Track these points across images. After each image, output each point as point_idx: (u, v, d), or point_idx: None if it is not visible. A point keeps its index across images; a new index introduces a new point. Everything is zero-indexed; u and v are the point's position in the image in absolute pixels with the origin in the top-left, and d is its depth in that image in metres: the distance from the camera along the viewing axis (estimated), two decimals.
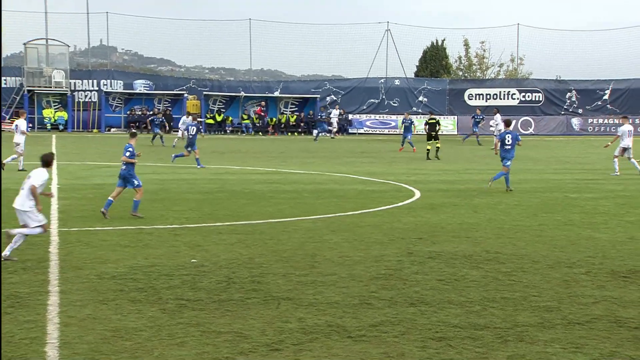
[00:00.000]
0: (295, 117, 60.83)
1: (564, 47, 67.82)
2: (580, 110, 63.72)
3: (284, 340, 8.58)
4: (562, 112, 63.64)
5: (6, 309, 9.49)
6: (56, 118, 56.93)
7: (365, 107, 62.53)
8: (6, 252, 12.29)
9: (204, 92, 59.80)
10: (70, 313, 9.47)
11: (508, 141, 22.53)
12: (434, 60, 69.13)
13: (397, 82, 64.02)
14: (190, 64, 78.51)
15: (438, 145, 36.01)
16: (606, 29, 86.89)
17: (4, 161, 26.41)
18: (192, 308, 9.76)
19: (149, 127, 45.26)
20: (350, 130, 60.21)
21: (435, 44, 69.75)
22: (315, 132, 53.70)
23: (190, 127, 30.73)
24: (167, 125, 47.62)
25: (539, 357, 8.18)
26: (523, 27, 66.88)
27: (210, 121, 58.09)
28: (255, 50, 64.78)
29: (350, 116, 61.21)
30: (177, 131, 44.63)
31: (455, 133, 59.41)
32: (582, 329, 9.09)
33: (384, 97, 63.18)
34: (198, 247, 13.64)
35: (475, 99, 63.50)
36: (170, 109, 58.70)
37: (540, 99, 63.79)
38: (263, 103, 60.22)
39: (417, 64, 70.43)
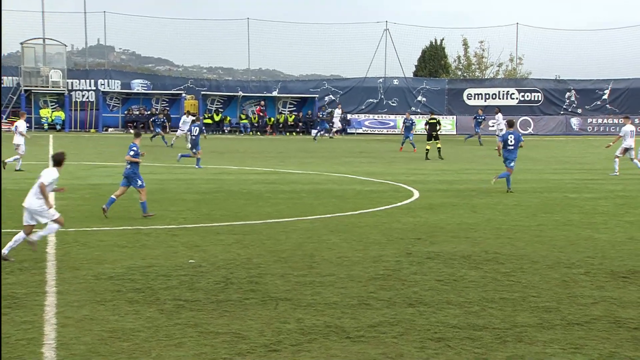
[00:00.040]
0: (293, 117, 60.78)
1: (563, 47, 67.85)
2: (579, 110, 63.70)
3: (282, 341, 8.56)
4: (562, 112, 63.63)
5: (3, 310, 9.44)
6: (53, 118, 56.77)
7: (363, 107, 62.50)
8: (5, 250, 12.27)
9: (202, 92, 59.75)
10: (67, 314, 9.44)
11: (511, 142, 22.51)
12: (432, 59, 69.07)
13: (395, 81, 63.98)
14: (188, 63, 78.71)
15: (439, 145, 35.98)
16: (606, 28, 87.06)
17: (6, 160, 26.42)
18: (189, 309, 9.73)
19: (152, 128, 45.15)
20: (348, 130, 60.16)
21: (434, 43, 69.68)
22: (314, 132, 53.66)
23: (193, 127, 30.65)
24: (166, 125, 47.58)
25: (538, 357, 8.16)
26: (522, 27, 66.92)
27: (208, 121, 58.02)
28: (254, 50, 64.81)
29: (349, 116, 61.16)
30: (176, 130, 44.60)
31: (454, 133, 59.41)
32: (581, 330, 9.07)
33: (382, 96, 63.14)
34: (196, 248, 13.61)
35: (474, 98, 63.47)
36: (168, 108, 58.64)
37: (540, 99, 63.76)
38: (262, 102, 60.16)
39: (416, 64, 70.36)
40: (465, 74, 69.31)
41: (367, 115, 61.95)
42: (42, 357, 8.01)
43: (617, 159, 28.50)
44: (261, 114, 59.95)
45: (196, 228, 15.73)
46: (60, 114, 56.83)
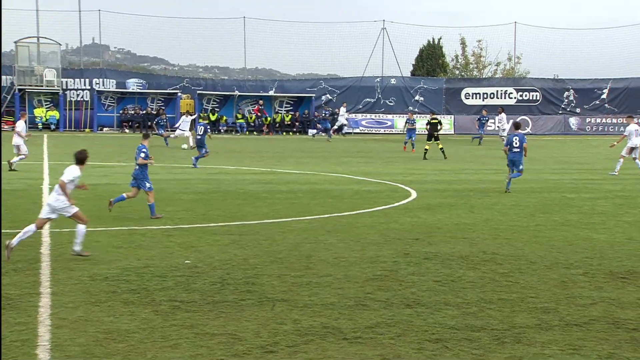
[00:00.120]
0: (290, 116, 60.72)
1: (561, 46, 67.73)
2: (578, 110, 63.68)
3: (279, 342, 8.52)
4: (560, 112, 63.61)
5: None
6: (48, 117, 56.47)
7: (361, 107, 62.41)
8: (14, 241, 12.35)
9: (198, 91, 59.62)
10: (62, 315, 9.38)
11: (516, 144, 22.55)
12: (430, 59, 68.96)
13: (393, 81, 63.92)
14: (183, 62, 78.44)
15: (441, 146, 35.96)
16: (604, 27, 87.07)
17: (12, 160, 26.46)
18: (185, 310, 9.69)
19: (155, 129, 44.99)
20: (345, 130, 60.04)
21: (431, 42, 69.57)
22: (311, 132, 53.58)
23: (198, 127, 30.49)
24: (167, 125, 47.49)
25: (536, 359, 8.13)
26: (520, 26, 66.81)
27: (200, 121, 57.79)
28: (250, 49, 64.67)
29: (346, 115, 61.00)
30: (174, 130, 44.52)
31: (452, 132, 59.40)
32: (579, 331, 9.05)
33: (380, 96, 63.08)
34: (192, 248, 13.55)
35: (472, 98, 63.45)
36: (163, 108, 58.53)
37: (538, 98, 63.74)
38: (261, 102, 60.06)
39: (414, 63, 70.23)
40: (463, 74, 69.22)
41: (365, 114, 61.89)
42: (36, 358, 7.96)
43: (621, 159, 28.43)
44: (259, 113, 59.83)
45: (192, 228, 15.67)
46: (55, 114, 56.57)
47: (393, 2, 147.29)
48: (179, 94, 59.18)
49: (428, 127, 37.17)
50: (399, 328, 9.04)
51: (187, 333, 8.76)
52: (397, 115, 61.68)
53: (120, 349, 8.20)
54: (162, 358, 7.98)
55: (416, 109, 60.70)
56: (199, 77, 67.96)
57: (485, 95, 63.48)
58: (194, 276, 11.45)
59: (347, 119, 58.45)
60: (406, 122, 42.25)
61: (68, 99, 57.50)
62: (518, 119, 58.52)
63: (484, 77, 67.54)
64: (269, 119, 59.89)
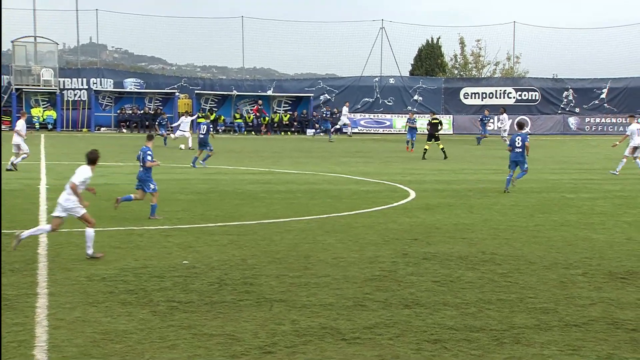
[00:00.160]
0: (288, 116, 60.66)
1: (560, 46, 67.60)
2: (577, 110, 63.67)
3: (277, 342, 8.49)
4: (559, 112, 63.59)
5: None
6: (45, 117, 56.35)
7: (359, 106, 62.35)
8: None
9: (196, 91, 59.55)
10: (59, 315, 9.35)
11: (518, 144, 22.58)
12: (429, 58, 68.94)
13: (391, 80, 63.89)
14: (181, 62, 78.32)
15: (442, 146, 35.92)
16: (604, 27, 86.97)
17: (15, 162, 26.46)
18: (183, 310, 9.66)
19: (157, 130, 44.91)
20: (344, 130, 59.97)
21: (430, 42, 69.55)
22: (310, 131, 53.48)
23: (201, 126, 30.38)
24: (168, 124, 47.37)
25: (535, 359, 8.10)
26: (519, 25, 66.74)
27: (202, 120, 57.79)
28: (248, 49, 64.60)
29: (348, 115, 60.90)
30: (172, 129, 44.47)
31: (451, 132, 59.36)
32: (579, 331, 9.03)
33: (378, 96, 63.04)
34: (190, 249, 13.52)
35: (471, 98, 63.43)
36: (161, 107, 58.46)
37: (537, 98, 63.72)
38: (260, 102, 59.99)
39: (412, 63, 70.22)
40: (462, 73, 69.19)
41: (363, 114, 61.84)
42: (33, 359, 7.92)
43: (624, 159, 28.38)
44: (258, 113, 59.74)
45: (190, 229, 15.64)
46: (52, 113, 56.43)
47: (392, 2, 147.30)
48: (177, 93, 59.10)
49: (429, 127, 37.13)
50: (398, 328, 9.02)
51: (184, 334, 8.73)
52: (396, 115, 61.64)
53: (118, 350, 8.18)
54: (160, 359, 7.96)
55: (415, 109, 60.68)
56: (197, 76, 67.90)
57: (484, 95, 63.45)
58: (191, 276, 11.41)
59: (348, 119, 58.24)
60: (407, 122, 42.20)
61: (65, 99, 57.39)
62: (517, 119, 58.68)
63: (482, 76, 67.51)
64: (267, 118, 59.83)
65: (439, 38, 69.51)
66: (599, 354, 8.27)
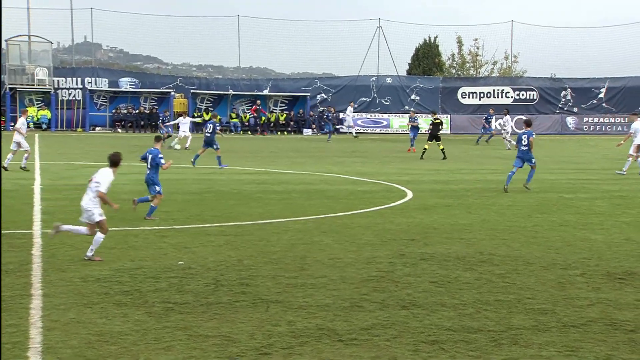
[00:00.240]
0: (284, 115, 60.62)
1: (558, 45, 67.62)
2: (575, 109, 63.71)
3: (274, 344, 8.45)
4: (557, 111, 63.62)
5: None
6: (39, 117, 56.12)
7: (356, 106, 62.29)
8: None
9: (192, 91, 59.46)
10: (53, 317, 9.29)
11: (524, 141, 22.74)
12: (426, 57, 68.93)
13: (389, 80, 63.87)
14: (177, 61, 78.11)
15: (442, 147, 35.88)
16: (602, 26, 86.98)
17: (23, 164, 26.46)
18: (179, 311, 9.61)
19: (162, 126, 44.81)
20: (341, 130, 59.93)
21: (427, 41, 69.55)
22: (306, 131, 53.35)
23: (208, 124, 30.21)
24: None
25: None
26: (517, 24, 66.74)
27: (198, 120, 57.73)
28: (244, 48, 64.54)
29: (341, 115, 60.88)
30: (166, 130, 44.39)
31: (449, 132, 59.35)
32: (577, 332, 9.00)
33: (375, 95, 63.02)
34: (185, 249, 13.46)
35: (469, 97, 63.43)
36: (156, 107, 58.38)
37: (535, 98, 63.75)
38: (259, 102, 59.94)
39: (410, 62, 70.23)
40: (459, 73, 69.17)
41: (360, 114, 61.80)
42: None
43: (630, 158, 28.34)
44: (256, 113, 59.68)
45: (186, 229, 15.58)
46: (47, 113, 56.25)
47: (390, 0, 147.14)
48: (173, 93, 58.98)
49: (431, 127, 37.06)
50: (395, 329, 8.97)
51: (180, 335, 8.68)
52: (393, 114, 61.65)
53: (113, 351, 8.12)
54: None
55: (412, 108, 60.64)
56: (192, 76, 67.81)
57: (482, 95, 63.47)
58: (187, 277, 11.36)
59: (352, 119, 57.93)
60: (409, 121, 42.08)
61: (60, 98, 57.24)
62: (515, 118, 58.77)
63: (480, 76, 67.50)
64: (263, 118, 59.80)
65: (437, 37, 69.56)
66: (597, 354, 8.24)
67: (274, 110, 61.19)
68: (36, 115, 56.10)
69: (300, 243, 14.16)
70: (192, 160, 29.56)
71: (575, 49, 66.96)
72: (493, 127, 49.43)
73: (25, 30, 58.01)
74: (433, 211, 18.47)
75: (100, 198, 12.53)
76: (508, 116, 46.49)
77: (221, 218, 17.07)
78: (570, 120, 63.06)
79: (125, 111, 57.99)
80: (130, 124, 57.43)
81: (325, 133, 54.12)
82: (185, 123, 41.70)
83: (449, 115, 61.61)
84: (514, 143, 36.08)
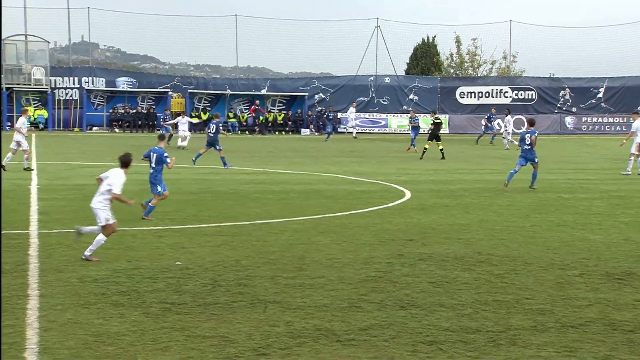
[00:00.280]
0: (282, 115, 60.58)
1: (557, 45, 67.65)
2: (574, 109, 63.74)
3: (271, 344, 8.42)
4: (556, 111, 63.64)
5: None
6: (36, 116, 56.02)
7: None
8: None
9: (189, 90, 59.44)
10: (50, 317, 9.26)
11: (527, 141, 22.84)
12: (424, 57, 68.92)
13: (387, 79, 63.87)
14: (174, 61, 78.11)
15: (441, 147, 35.86)
16: (601, 25, 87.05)
17: (28, 166, 26.44)
18: (176, 312, 9.58)
19: (172, 128, 44.62)
20: (339, 130, 59.92)
21: (426, 40, 69.54)
22: (303, 131, 53.25)
23: (210, 125, 30.02)
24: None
25: None
26: (515, 24, 66.78)
27: (195, 119, 57.70)
28: (242, 47, 64.53)
29: (339, 114, 60.88)
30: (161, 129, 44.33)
31: (447, 132, 59.36)
32: (575, 333, 8.98)
33: (373, 95, 63.02)
34: (183, 249, 13.43)
35: (467, 97, 63.43)
36: (154, 107, 58.30)
37: (534, 97, 63.76)
38: (257, 102, 59.91)
39: (408, 62, 70.24)
40: (457, 72, 69.16)
41: (358, 114, 61.76)
42: None
43: (632, 157, 28.33)
44: (254, 113, 59.64)
45: (183, 229, 15.54)
46: (43, 113, 56.19)
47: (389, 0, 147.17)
48: (170, 92, 58.94)
49: (432, 126, 37.02)
50: (393, 330, 8.94)
51: (177, 335, 8.65)
52: (391, 114, 61.63)
53: (110, 352, 8.09)
54: None
55: (412, 108, 60.61)
56: (190, 75, 67.82)
57: (480, 94, 63.47)
58: (184, 278, 11.32)
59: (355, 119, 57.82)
60: (410, 121, 41.93)
61: (57, 98, 57.19)
62: (513, 118, 58.73)
63: (479, 75, 67.48)
64: (261, 118, 59.79)
65: (435, 37, 69.56)
66: (596, 355, 8.22)
67: (272, 110, 61.18)
68: (33, 115, 55.92)
69: (298, 243, 14.13)
70: (194, 158, 29.52)
71: (574, 49, 67.02)
72: (495, 127, 49.38)
73: (22, 30, 58.04)
74: (431, 211, 18.44)
75: (116, 199, 12.61)
76: (509, 116, 46.48)
77: (219, 218, 17.04)
78: (569, 120, 63.09)
79: (122, 111, 57.96)
80: (127, 123, 57.39)
81: (326, 133, 54.07)
82: (184, 123, 41.64)
83: (447, 115, 61.59)
84: (515, 143, 36.11)
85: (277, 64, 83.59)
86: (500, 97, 63.20)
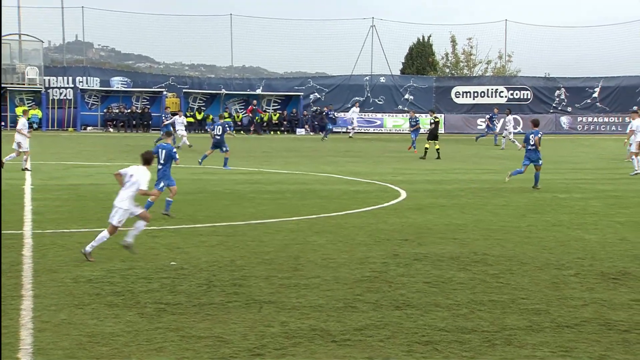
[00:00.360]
0: (277, 115, 60.55)
1: (553, 44, 67.70)
2: (569, 109, 63.81)
3: (266, 345, 8.39)
4: (551, 111, 63.70)
5: None
6: (30, 116, 55.81)
7: (349, 105, 62.21)
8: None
9: (184, 90, 59.36)
10: (44, 318, 9.22)
11: (531, 141, 22.87)
12: (420, 57, 68.94)
13: (382, 79, 63.88)
14: (169, 60, 78.04)
15: (438, 146, 35.86)
16: (596, 25, 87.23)
17: (25, 166, 26.37)
18: (171, 312, 9.55)
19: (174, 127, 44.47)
20: (334, 129, 59.88)
21: (421, 40, 69.55)
22: (299, 130, 53.19)
23: (216, 126, 29.46)
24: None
25: None
26: (511, 24, 66.79)
27: (190, 119, 57.66)
28: (237, 47, 64.44)
29: (335, 114, 60.84)
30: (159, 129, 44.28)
31: (443, 132, 59.33)
32: (571, 332, 8.96)
33: (369, 94, 63.03)
34: (177, 250, 13.40)
35: (463, 96, 63.46)
36: (148, 107, 58.21)
37: (529, 97, 63.82)
38: (255, 102, 59.85)
39: (403, 61, 70.23)
40: (453, 72, 69.20)
41: (362, 114, 61.72)
42: None
43: (634, 157, 28.35)
44: (251, 114, 59.58)
45: (178, 229, 15.50)
46: (37, 112, 55.95)
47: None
48: (165, 92, 58.84)
49: (432, 126, 36.99)
50: (389, 330, 8.93)
51: (172, 336, 8.61)
52: (387, 114, 61.63)
53: (105, 353, 8.06)
54: None
55: (405, 108, 60.60)
56: (185, 75, 67.74)
57: (475, 94, 63.52)
58: (179, 278, 11.28)
59: (355, 119, 57.68)
60: (410, 121, 41.73)
61: (51, 98, 57.04)
62: (508, 118, 58.71)
63: (474, 75, 67.53)
64: (257, 117, 59.78)
65: (430, 36, 69.58)
66: (591, 355, 8.21)
67: (267, 110, 61.16)
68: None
69: (293, 243, 14.10)
70: (199, 160, 29.30)
71: (570, 49, 67.07)
72: (497, 127, 49.44)
73: (16, 29, 57.82)
74: (427, 211, 18.43)
75: (143, 194, 12.87)
76: (510, 116, 46.52)
77: (214, 218, 17.01)
78: (564, 120, 63.16)
79: (117, 111, 57.85)
80: (122, 123, 57.28)
81: (325, 132, 54.12)
82: (181, 122, 41.59)
83: (442, 115, 61.59)
84: (517, 143, 36.14)
85: (272, 63, 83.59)
86: (495, 96, 63.25)
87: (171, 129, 42.34)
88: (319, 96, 62.13)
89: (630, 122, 30.38)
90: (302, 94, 61.20)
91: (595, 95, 63.88)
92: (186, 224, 16.19)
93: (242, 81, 64.63)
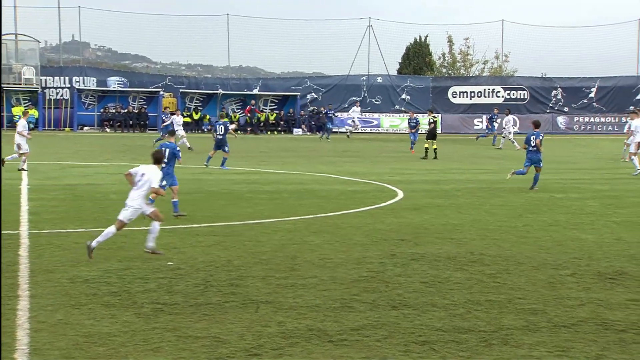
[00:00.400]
0: (274, 115, 60.54)
1: (549, 44, 67.75)
2: (566, 109, 63.85)
3: (263, 344, 8.38)
4: (548, 111, 63.73)
5: None
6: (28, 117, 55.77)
7: (346, 105, 62.29)
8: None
9: (181, 90, 59.31)
10: (40, 318, 9.20)
11: (533, 142, 22.81)
12: (417, 57, 68.96)
13: (379, 79, 63.89)
14: (166, 60, 77.94)
15: (435, 146, 35.87)
16: (592, 25, 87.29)
17: (23, 166, 26.34)
18: (168, 312, 9.53)
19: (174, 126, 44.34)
20: (332, 129, 59.83)
21: (418, 40, 69.57)
22: (296, 130, 53.19)
23: (217, 126, 29.26)
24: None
25: None
26: (508, 24, 66.85)
27: (187, 119, 57.58)
28: (234, 47, 64.43)
29: (334, 114, 60.73)
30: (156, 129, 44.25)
31: (440, 132, 59.32)
32: (567, 332, 8.96)
33: (366, 94, 63.03)
34: (174, 250, 13.37)
35: (459, 97, 63.48)
36: (145, 107, 58.13)
37: (526, 97, 63.85)
38: (253, 102, 59.80)
39: (400, 61, 70.28)
40: (450, 72, 69.22)
41: (350, 114, 61.76)
42: None
43: (634, 157, 28.37)
44: (250, 114, 59.53)
45: (175, 229, 15.45)
46: (34, 112, 55.82)
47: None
48: (162, 92, 58.79)
49: (431, 126, 36.97)
50: (385, 330, 8.92)
51: (169, 336, 8.60)
52: (384, 114, 61.63)
53: (101, 353, 8.05)
54: None
55: (402, 108, 60.61)
56: (181, 75, 67.70)
57: (472, 94, 63.55)
58: (176, 278, 11.27)
59: (358, 117, 57.58)
60: (409, 122, 41.68)
61: (47, 98, 56.95)
62: (505, 118, 58.70)
63: (471, 75, 67.55)
64: (254, 117, 59.75)
65: (427, 36, 69.60)
66: (588, 355, 8.21)
67: (264, 110, 61.15)
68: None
69: (290, 243, 14.10)
70: (205, 162, 29.15)
71: (566, 49, 67.12)
72: (496, 127, 49.45)
73: (12, 29, 57.78)
74: (424, 211, 18.43)
75: (155, 193, 12.97)
76: (510, 116, 46.54)
77: (211, 218, 16.99)
78: (561, 120, 63.20)
79: (113, 110, 57.79)
80: (118, 123, 57.23)
81: (324, 131, 54.13)
82: (178, 122, 41.53)
83: (439, 115, 61.59)
84: (516, 144, 36.15)
85: (269, 63, 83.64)
86: (492, 96, 63.28)
87: (172, 128, 42.46)
88: (316, 96, 62.13)
89: (628, 122, 30.39)
90: (299, 94, 61.20)
91: (592, 95, 63.93)
92: (183, 224, 16.16)
93: (239, 81, 64.60)
